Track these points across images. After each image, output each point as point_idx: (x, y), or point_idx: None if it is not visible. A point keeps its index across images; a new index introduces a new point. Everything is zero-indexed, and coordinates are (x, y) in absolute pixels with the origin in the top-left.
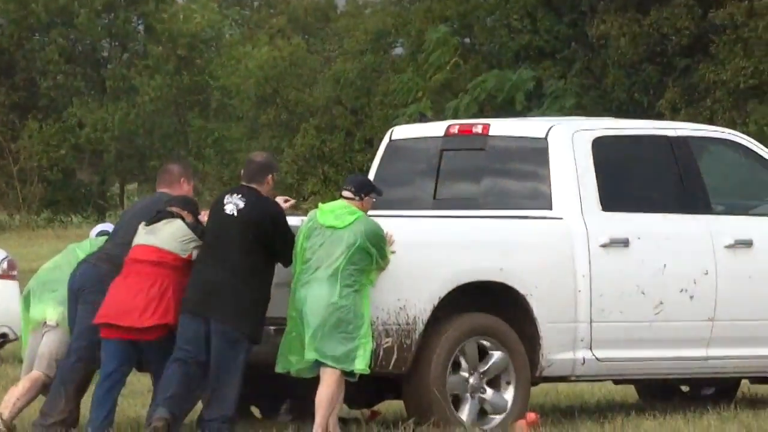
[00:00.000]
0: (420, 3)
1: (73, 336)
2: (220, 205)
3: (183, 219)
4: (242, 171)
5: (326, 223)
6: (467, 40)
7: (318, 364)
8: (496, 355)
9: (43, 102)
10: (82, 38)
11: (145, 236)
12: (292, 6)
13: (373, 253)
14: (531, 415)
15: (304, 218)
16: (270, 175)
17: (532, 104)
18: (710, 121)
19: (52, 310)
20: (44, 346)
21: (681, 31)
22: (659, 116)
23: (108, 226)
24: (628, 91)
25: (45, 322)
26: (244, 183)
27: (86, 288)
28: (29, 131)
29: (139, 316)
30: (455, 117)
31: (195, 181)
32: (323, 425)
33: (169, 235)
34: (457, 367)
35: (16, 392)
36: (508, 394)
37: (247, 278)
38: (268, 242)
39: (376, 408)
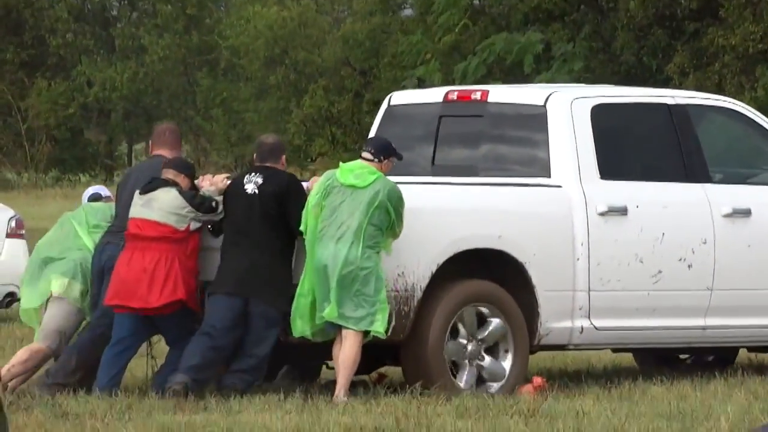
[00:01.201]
0: None
1: (96, 313)
2: (240, 187)
3: (179, 187)
4: (254, 154)
5: (346, 182)
6: (476, 1)
7: (332, 327)
8: (495, 322)
9: (51, 60)
10: None
11: (141, 208)
12: None
13: (391, 214)
14: (538, 380)
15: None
16: (283, 156)
17: (541, 67)
18: (719, 86)
19: (55, 282)
20: (49, 318)
21: None
22: (668, 80)
23: (100, 188)
24: (636, 55)
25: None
26: (258, 164)
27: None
28: (38, 90)
29: (148, 296)
30: (464, 79)
31: (203, 141)
32: (346, 386)
33: (165, 207)
34: (455, 334)
35: (14, 359)
36: (506, 362)
37: (279, 256)
38: (285, 214)
39: (382, 371)
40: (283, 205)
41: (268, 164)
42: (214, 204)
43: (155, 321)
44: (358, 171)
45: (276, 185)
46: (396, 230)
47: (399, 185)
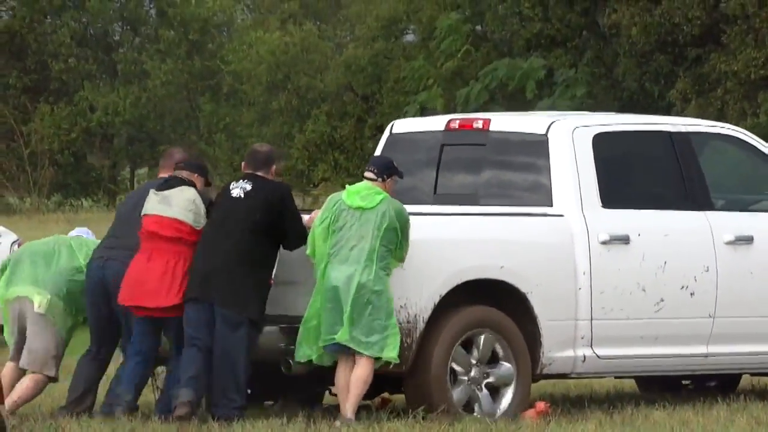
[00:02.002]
0: None
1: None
2: (227, 191)
3: (195, 187)
4: (244, 162)
5: (353, 204)
6: (479, 27)
7: (337, 349)
8: (506, 366)
9: (54, 85)
10: (94, 22)
11: (158, 205)
12: None
13: (399, 234)
14: (540, 405)
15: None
16: (274, 166)
17: (543, 93)
18: (721, 112)
19: (39, 296)
20: (37, 343)
21: (692, 20)
22: (670, 106)
23: (83, 231)
24: (638, 81)
25: (30, 303)
26: (249, 171)
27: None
28: (40, 114)
29: (165, 296)
30: (466, 105)
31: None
32: (354, 405)
33: (183, 204)
34: (468, 349)
35: (18, 390)
36: (501, 404)
37: (252, 261)
38: (276, 223)
39: (386, 396)
40: (274, 216)
41: (259, 173)
42: None
43: (165, 324)
44: (364, 192)
45: (269, 195)
46: (402, 252)
47: None
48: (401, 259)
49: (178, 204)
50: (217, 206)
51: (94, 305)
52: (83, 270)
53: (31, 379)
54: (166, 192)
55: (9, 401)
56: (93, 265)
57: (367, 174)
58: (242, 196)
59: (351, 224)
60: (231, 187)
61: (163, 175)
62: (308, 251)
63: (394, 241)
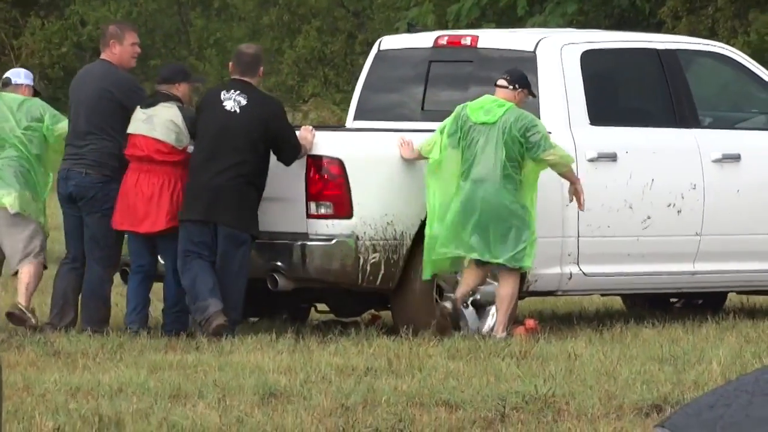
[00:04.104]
0: None
1: (72, 247)
2: (216, 102)
3: (179, 103)
4: (232, 63)
5: (478, 120)
6: None
7: (459, 261)
8: (490, 285)
9: None
10: None
11: (142, 124)
12: None
13: (522, 143)
14: (530, 322)
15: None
16: (261, 67)
17: (534, 10)
18: (712, 30)
19: (10, 197)
20: (21, 242)
21: None
22: (660, 24)
23: (16, 73)
24: None
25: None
26: (236, 77)
27: (86, 198)
28: (31, 28)
29: (155, 221)
30: (457, 21)
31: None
32: (504, 322)
33: (165, 124)
34: (440, 292)
35: (23, 281)
36: (487, 322)
37: (251, 177)
38: (273, 140)
39: (376, 312)
40: (270, 133)
41: (246, 78)
42: None
43: (157, 243)
44: (487, 106)
45: (265, 110)
46: (537, 155)
47: (390, 132)
48: (545, 161)
49: (160, 123)
50: (209, 120)
51: (65, 215)
52: (34, 123)
53: (26, 273)
54: (150, 110)
55: (21, 293)
56: (58, 177)
57: (500, 81)
58: (237, 111)
59: (477, 139)
60: (222, 98)
61: (103, 56)
62: (432, 156)
63: (520, 151)
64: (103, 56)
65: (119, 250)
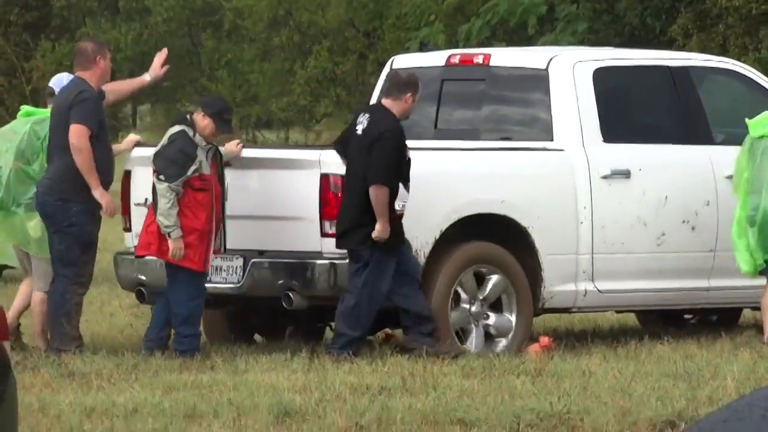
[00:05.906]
0: None
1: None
2: (353, 124)
3: (181, 140)
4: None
5: (757, 134)
6: None
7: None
8: (494, 278)
9: (56, 22)
10: None
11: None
12: None
13: None
14: (544, 339)
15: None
16: (409, 93)
17: (545, 29)
18: (722, 47)
19: (35, 226)
20: (43, 267)
21: None
22: (671, 42)
23: (56, 82)
24: (640, 17)
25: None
26: (382, 98)
27: (46, 216)
28: (42, 51)
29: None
30: (467, 40)
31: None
32: None
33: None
34: (457, 298)
35: (36, 314)
36: (512, 315)
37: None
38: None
39: (389, 331)
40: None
41: (389, 99)
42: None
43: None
44: (766, 121)
45: (373, 130)
46: None
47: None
48: None
49: (159, 151)
50: (347, 145)
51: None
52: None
53: (37, 303)
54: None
55: (36, 329)
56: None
57: None
58: (360, 132)
59: (760, 153)
60: (357, 121)
61: (78, 73)
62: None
63: None
64: (78, 72)
65: (89, 269)
